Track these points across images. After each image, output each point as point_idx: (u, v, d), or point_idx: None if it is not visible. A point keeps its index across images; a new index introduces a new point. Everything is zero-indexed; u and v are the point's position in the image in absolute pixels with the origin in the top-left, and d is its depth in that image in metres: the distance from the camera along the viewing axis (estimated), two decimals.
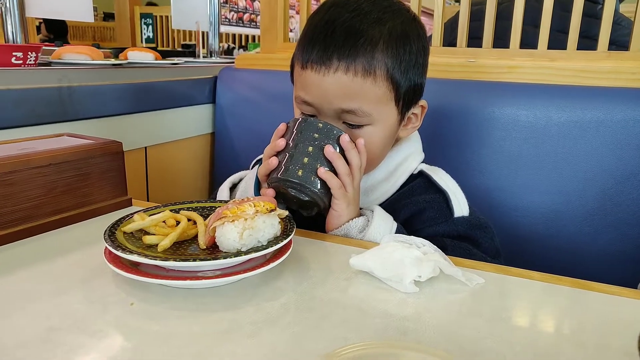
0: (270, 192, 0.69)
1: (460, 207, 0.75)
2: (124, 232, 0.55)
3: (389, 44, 0.71)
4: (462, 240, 0.73)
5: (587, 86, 0.95)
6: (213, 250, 0.53)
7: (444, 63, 1.04)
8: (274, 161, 0.69)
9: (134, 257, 0.48)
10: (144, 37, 3.68)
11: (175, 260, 0.48)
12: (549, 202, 0.94)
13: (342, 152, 0.69)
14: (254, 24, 3.54)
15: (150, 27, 3.69)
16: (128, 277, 0.49)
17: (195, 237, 0.55)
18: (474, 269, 0.57)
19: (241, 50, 3.12)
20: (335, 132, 0.69)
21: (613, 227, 0.90)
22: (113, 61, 1.33)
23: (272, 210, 0.53)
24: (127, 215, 0.58)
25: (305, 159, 0.67)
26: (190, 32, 3.81)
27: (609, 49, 1.00)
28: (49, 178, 0.65)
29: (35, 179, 0.63)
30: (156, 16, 3.91)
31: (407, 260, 0.53)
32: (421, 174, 0.80)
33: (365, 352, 0.39)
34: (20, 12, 1.23)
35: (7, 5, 1.22)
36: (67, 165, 0.67)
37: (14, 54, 1.00)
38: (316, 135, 0.68)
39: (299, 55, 0.75)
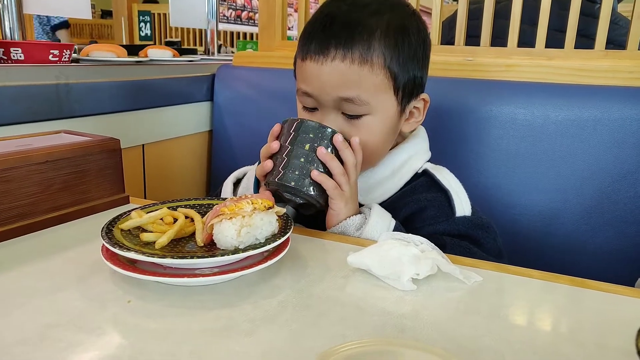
0: (268, 193, 0.69)
1: (463, 206, 0.75)
2: (122, 230, 0.55)
3: (386, 34, 0.71)
4: (463, 240, 0.73)
5: (585, 85, 0.95)
6: (210, 248, 0.53)
7: (442, 61, 1.04)
8: (269, 164, 0.69)
9: (132, 255, 0.48)
10: (142, 34, 3.67)
11: (173, 258, 0.48)
12: (547, 200, 0.94)
13: (336, 151, 0.69)
14: (252, 21, 3.53)
15: (148, 24, 3.68)
16: (125, 275, 0.49)
17: (193, 234, 0.55)
18: (471, 267, 0.57)
19: (228, 48, 3.13)
20: (328, 132, 0.68)
21: (610, 225, 0.91)
22: (136, 58, 1.40)
23: (269, 208, 0.53)
24: (125, 213, 0.58)
25: (299, 162, 0.67)
26: (187, 29, 3.81)
27: (607, 48, 1.00)
28: (46, 175, 0.65)
29: (32, 176, 0.63)
30: (154, 14, 3.90)
31: (405, 258, 0.53)
32: (425, 173, 0.80)
33: (363, 349, 0.39)
34: (17, 9, 1.23)
35: (5, 1, 1.22)
36: (65, 162, 0.67)
37: (51, 51, 1.07)
38: (309, 137, 0.68)
39: (299, 49, 0.76)
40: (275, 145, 0.69)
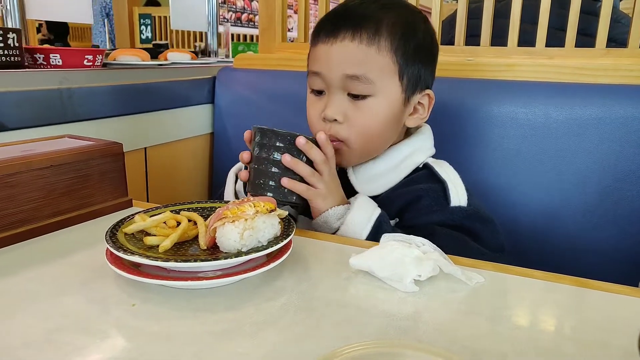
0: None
1: (459, 197, 0.76)
2: (125, 233, 0.55)
3: (394, 24, 0.76)
4: (457, 231, 0.74)
5: (586, 83, 0.95)
6: (214, 251, 0.53)
7: (442, 61, 1.04)
8: (244, 174, 0.73)
9: (135, 258, 0.48)
10: (143, 37, 3.68)
11: (176, 261, 0.48)
12: (548, 200, 0.94)
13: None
14: (252, 23, 3.54)
15: (149, 27, 3.69)
16: (129, 278, 0.49)
17: (196, 237, 0.56)
18: (473, 268, 0.57)
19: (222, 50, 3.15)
20: (289, 137, 0.69)
21: (612, 224, 0.90)
22: (158, 62, 1.50)
23: (272, 211, 0.54)
24: (128, 216, 0.59)
25: (270, 171, 0.69)
26: (188, 32, 3.81)
27: (609, 46, 1.00)
28: (49, 180, 0.65)
29: (36, 181, 0.63)
30: (155, 17, 3.91)
31: (407, 260, 0.53)
32: (425, 166, 0.81)
33: (366, 351, 0.39)
34: (20, 14, 1.23)
35: (8, 7, 1.22)
36: (68, 167, 0.67)
37: (85, 56, 1.15)
38: (275, 145, 0.69)
39: (311, 40, 0.80)
40: (245, 157, 0.72)
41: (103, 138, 0.78)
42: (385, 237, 0.58)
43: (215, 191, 1.34)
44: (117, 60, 1.40)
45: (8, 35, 1.00)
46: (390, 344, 0.44)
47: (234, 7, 3.41)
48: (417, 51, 0.77)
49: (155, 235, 0.54)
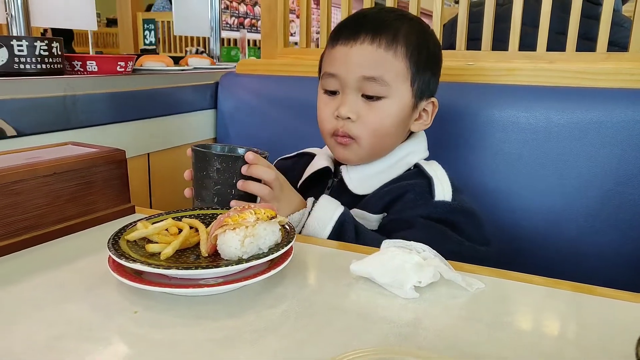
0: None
1: (444, 192, 0.78)
2: (128, 241, 0.55)
3: (409, 32, 0.80)
4: (441, 224, 0.75)
5: (587, 87, 0.95)
6: (215, 258, 0.54)
7: (443, 66, 1.04)
8: (188, 193, 0.74)
9: (138, 266, 0.49)
10: (147, 42, 3.70)
11: (178, 269, 0.49)
12: (550, 204, 0.94)
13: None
14: (255, 28, 3.55)
15: (152, 32, 3.71)
16: (132, 286, 0.49)
17: (198, 244, 0.56)
18: (474, 274, 0.57)
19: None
20: (216, 157, 0.70)
21: (614, 228, 0.90)
22: (181, 67, 1.59)
23: (272, 218, 0.54)
24: (131, 223, 0.59)
25: (212, 191, 0.70)
26: (192, 37, 3.83)
27: (612, 50, 1.00)
28: (53, 187, 0.66)
29: (40, 188, 0.64)
30: (158, 22, 3.92)
31: (407, 266, 0.53)
32: (416, 166, 0.84)
33: (367, 358, 0.40)
34: (25, 22, 1.24)
35: (13, 14, 1.23)
36: (71, 174, 0.68)
37: (118, 63, 1.23)
38: (215, 166, 0.70)
39: (329, 41, 0.85)
40: (186, 176, 0.73)
41: (106, 144, 0.78)
42: (386, 244, 0.58)
43: None
44: (144, 66, 1.48)
45: (52, 44, 1.08)
46: (391, 351, 0.44)
47: (237, 12, 3.42)
48: (427, 60, 0.82)
49: (157, 243, 0.55)
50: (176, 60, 1.71)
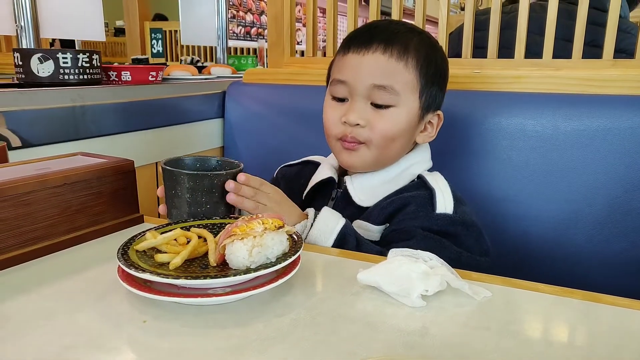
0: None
1: (445, 204, 0.78)
2: (137, 250, 0.56)
3: (420, 45, 0.82)
4: (441, 236, 0.76)
5: (594, 95, 0.95)
6: (223, 268, 0.54)
7: (450, 74, 1.05)
8: (162, 210, 0.73)
9: (147, 276, 0.49)
10: (154, 51, 3.73)
11: (187, 278, 0.49)
12: (558, 211, 0.94)
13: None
14: (262, 37, 3.58)
15: (159, 41, 3.74)
16: (141, 295, 0.50)
17: (206, 254, 0.56)
18: (481, 282, 0.57)
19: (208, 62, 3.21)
20: (182, 176, 0.67)
21: (623, 236, 0.90)
22: (204, 76, 1.68)
23: (280, 227, 0.54)
24: (140, 233, 0.60)
25: (184, 209, 0.69)
26: (198, 46, 3.86)
27: (619, 57, 1.00)
28: (63, 197, 0.66)
29: (50, 199, 0.65)
30: (165, 31, 3.96)
31: (414, 275, 0.53)
32: (419, 177, 0.84)
33: None
34: (35, 33, 1.26)
35: (23, 25, 1.25)
36: (81, 185, 0.68)
37: (150, 73, 1.31)
38: (184, 184, 0.67)
39: (340, 49, 0.85)
40: (159, 193, 0.72)
41: (115, 154, 0.79)
42: (393, 252, 0.58)
43: None
44: (171, 75, 1.58)
45: (93, 57, 1.17)
46: (398, 359, 0.44)
47: (243, 21, 3.45)
48: (435, 74, 0.83)
49: (166, 253, 0.55)
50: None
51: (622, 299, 0.55)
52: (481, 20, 1.19)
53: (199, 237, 0.59)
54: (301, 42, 2.80)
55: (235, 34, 3.31)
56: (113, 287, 0.55)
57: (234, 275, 0.50)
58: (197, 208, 0.69)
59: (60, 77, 1.11)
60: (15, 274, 0.59)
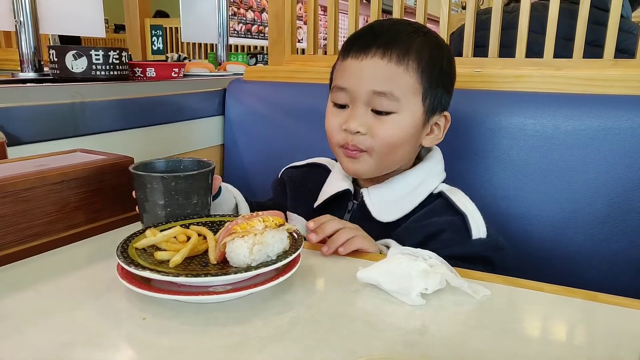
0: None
1: (478, 229, 0.77)
2: (136, 248, 0.56)
3: (422, 47, 0.79)
4: (478, 261, 0.75)
5: (594, 94, 0.95)
6: (223, 266, 0.54)
7: None
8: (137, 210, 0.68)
9: (147, 273, 0.49)
10: (154, 48, 3.72)
11: (187, 276, 0.49)
12: (558, 211, 0.94)
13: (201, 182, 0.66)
14: (262, 35, 3.57)
15: (160, 38, 3.73)
16: (140, 293, 0.50)
17: (206, 252, 0.56)
18: (480, 281, 0.57)
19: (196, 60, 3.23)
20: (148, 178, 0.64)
21: (623, 235, 0.90)
22: (221, 72, 1.74)
23: (280, 225, 0.54)
24: (139, 231, 0.60)
25: (152, 211, 0.65)
26: (199, 43, 3.85)
27: (621, 57, 1.00)
28: (62, 194, 0.66)
29: (49, 196, 0.65)
30: (166, 28, 3.95)
31: (414, 273, 0.53)
32: (441, 195, 0.82)
33: None
34: (34, 29, 1.26)
35: (22, 21, 1.25)
36: (80, 182, 0.68)
37: (173, 69, 1.38)
38: (153, 188, 0.64)
39: (341, 53, 0.83)
40: (134, 195, 0.67)
41: (114, 151, 0.79)
42: (392, 251, 0.58)
43: None
44: (190, 72, 1.64)
45: (122, 54, 1.23)
46: (398, 358, 0.44)
47: (244, 19, 3.44)
48: (440, 76, 0.80)
49: (165, 250, 0.55)
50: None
51: (622, 298, 0.55)
52: (483, 19, 1.19)
53: (199, 234, 0.59)
54: (302, 40, 2.80)
55: (236, 32, 3.31)
56: (112, 285, 0.54)
57: (235, 273, 0.50)
58: (170, 211, 0.64)
59: (93, 72, 1.18)
60: (13, 270, 0.59)
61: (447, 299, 0.54)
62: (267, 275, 0.53)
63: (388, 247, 0.72)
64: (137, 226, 0.72)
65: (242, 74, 1.57)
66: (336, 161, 0.88)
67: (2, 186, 0.59)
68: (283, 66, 1.31)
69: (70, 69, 1.17)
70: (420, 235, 0.77)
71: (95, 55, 1.18)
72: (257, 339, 0.46)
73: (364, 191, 0.83)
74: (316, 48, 1.31)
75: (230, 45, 2.44)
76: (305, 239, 0.62)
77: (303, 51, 1.41)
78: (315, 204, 0.89)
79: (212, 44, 2.58)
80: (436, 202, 0.82)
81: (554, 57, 1.04)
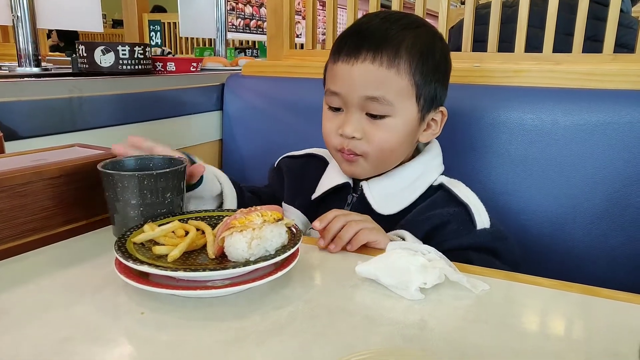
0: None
1: (482, 219, 0.77)
2: (134, 243, 0.56)
3: (413, 45, 0.77)
4: (484, 252, 0.75)
5: (594, 89, 0.95)
6: (222, 260, 0.54)
7: None
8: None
9: (144, 268, 0.49)
10: (153, 43, 3.71)
11: (185, 271, 0.49)
12: (556, 206, 0.94)
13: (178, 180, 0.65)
14: (261, 30, 3.56)
15: (158, 33, 3.72)
16: (139, 287, 0.50)
17: (204, 246, 0.56)
18: (479, 275, 0.57)
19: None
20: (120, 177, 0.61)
21: (621, 230, 0.90)
22: (232, 67, 1.78)
23: (279, 220, 0.54)
24: (137, 226, 0.59)
25: (125, 211, 0.63)
26: (197, 38, 3.84)
27: (621, 52, 0.99)
28: (60, 189, 0.66)
29: (47, 190, 0.64)
30: (164, 23, 3.94)
31: (413, 268, 0.53)
32: (442, 187, 0.82)
33: (373, 359, 0.40)
34: (31, 23, 1.25)
35: (19, 15, 1.24)
36: (78, 176, 0.68)
37: (192, 64, 1.44)
38: (121, 186, 0.62)
39: (331, 55, 0.81)
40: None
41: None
42: (391, 245, 0.58)
43: None
44: (207, 66, 1.70)
45: (146, 49, 1.29)
46: (396, 352, 0.44)
47: (243, 13, 3.43)
48: (434, 71, 0.79)
49: (163, 245, 0.55)
50: None
51: (619, 292, 0.55)
52: (482, 14, 1.18)
53: (197, 229, 0.58)
54: (300, 35, 2.79)
55: (234, 27, 3.30)
56: (110, 279, 0.54)
57: (233, 268, 0.50)
58: (143, 211, 0.63)
59: (120, 67, 1.24)
60: (10, 265, 0.59)
61: (446, 294, 0.54)
62: (266, 269, 0.53)
63: (401, 238, 0.72)
64: None
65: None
66: None
67: None
68: (281, 61, 1.31)
69: (99, 64, 1.23)
70: (425, 227, 0.77)
71: (122, 50, 1.23)
72: (255, 333, 0.46)
73: (363, 184, 0.83)
74: (315, 43, 1.30)
75: (229, 40, 2.43)
76: (303, 234, 0.62)
77: (302, 46, 1.41)
78: (313, 196, 0.89)
79: (211, 39, 2.57)
80: (437, 194, 0.82)
81: (553, 52, 1.04)
